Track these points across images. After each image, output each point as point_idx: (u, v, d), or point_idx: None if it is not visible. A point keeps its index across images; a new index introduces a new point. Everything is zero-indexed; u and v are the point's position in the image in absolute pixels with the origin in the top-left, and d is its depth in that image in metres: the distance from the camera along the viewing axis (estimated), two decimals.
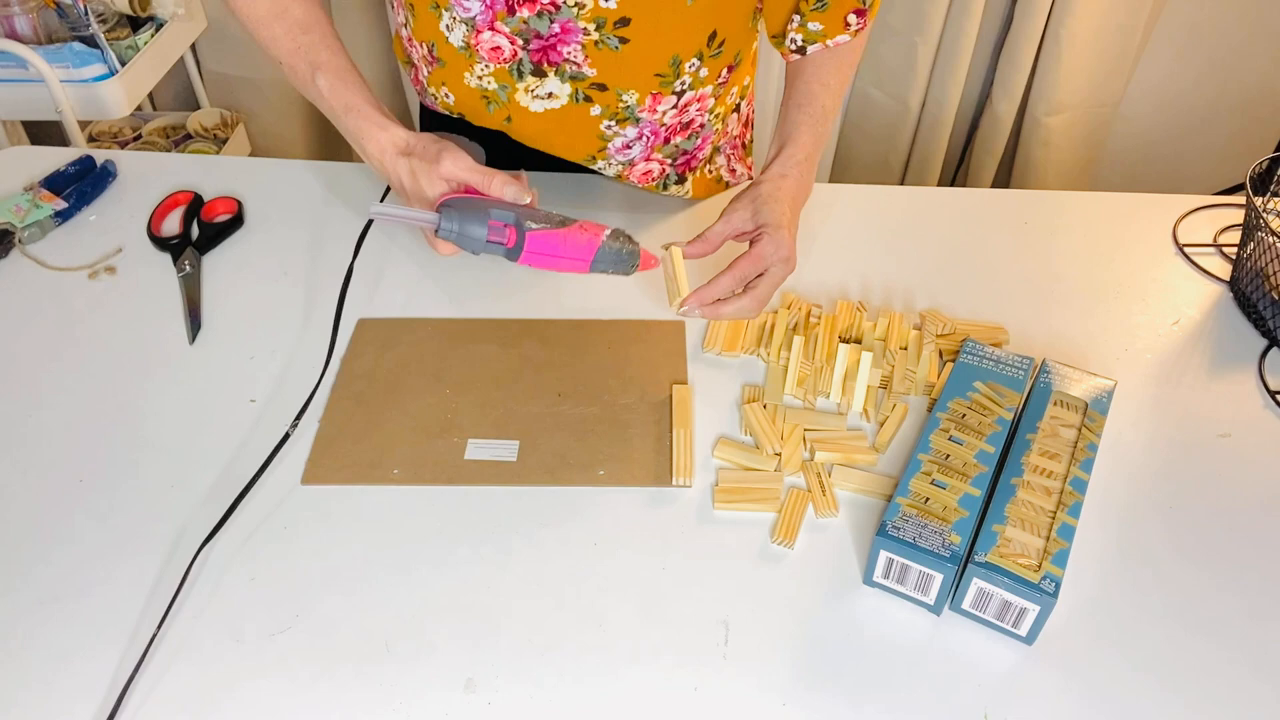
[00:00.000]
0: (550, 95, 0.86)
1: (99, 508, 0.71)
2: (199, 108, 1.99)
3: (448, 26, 0.83)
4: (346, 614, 0.65)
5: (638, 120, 0.89)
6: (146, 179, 1.04)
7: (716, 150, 1.02)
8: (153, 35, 1.72)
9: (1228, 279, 0.94)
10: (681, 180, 0.99)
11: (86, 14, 1.58)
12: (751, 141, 1.09)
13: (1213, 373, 0.85)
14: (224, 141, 1.91)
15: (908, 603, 0.67)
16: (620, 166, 0.95)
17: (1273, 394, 0.83)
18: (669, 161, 0.96)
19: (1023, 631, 0.64)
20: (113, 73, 1.62)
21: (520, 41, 0.82)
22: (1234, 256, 0.95)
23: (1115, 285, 0.94)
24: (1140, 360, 0.86)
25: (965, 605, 0.65)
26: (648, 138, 0.91)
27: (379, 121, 0.75)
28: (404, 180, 0.74)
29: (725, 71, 0.89)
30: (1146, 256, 0.98)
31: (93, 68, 1.59)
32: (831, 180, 2.03)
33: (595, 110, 0.87)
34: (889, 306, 0.90)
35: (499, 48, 0.82)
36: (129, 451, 0.75)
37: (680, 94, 0.87)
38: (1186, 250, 0.98)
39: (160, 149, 1.87)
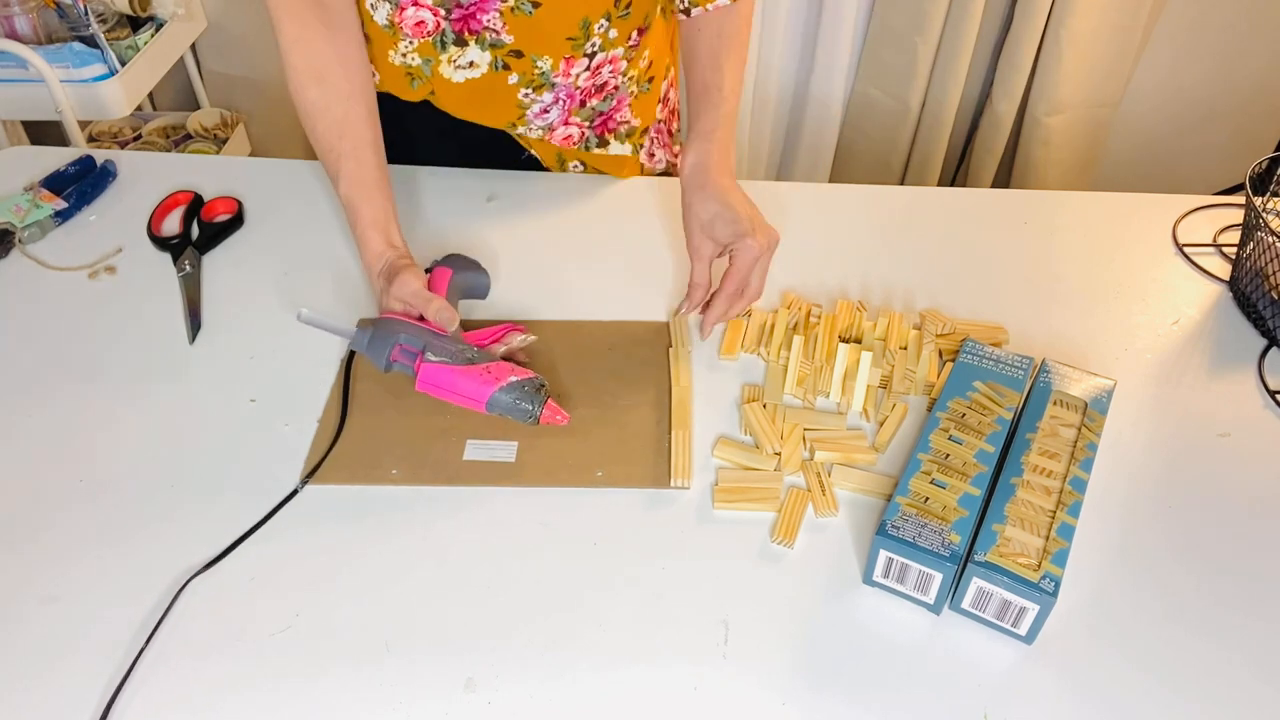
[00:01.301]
0: (471, 64, 0.89)
1: (99, 508, 0.71)
2: (199, 108, 1.99)
3: (372, 5, 0.85)
4: (346, 614, 0.65)
5: (553, 85, 0.92)
6: (146, 179, 1.04)
7: (644, 132, 1.04)
8: (153, 35, 1.72)
9: (1227, 279, 0.94)
10: (604, 144, 1.01)
11: (86, 14, 1.58)
12: (678, 130, 1.12)
13: (1213, 373, 0.85)
14: (224, 141, 1.91)
15: (908, 602, 0.67)
16: (541, 131, 0.97)
17: (1273, 394, 0.83)
18: (586, 124, 0.99)
19: (1022, 631, 0.64)
20: (113, 73, 1.62)
21: (442, 13, 0.84)
22: (1234, 256, 0.95)
23: (1115, 285, 0.94)
24: (1140, 360, 0.86)
25: (965, 605, 0.65)
26: (563, 101, 0.94)
27: (369, 239, 0.82)
28: (377, 293, 0.82)
29: (635, 34, 0.93)
30: (1146, 256, 0.98)
31: (93, 68, 1.60)
32: (831, 180, 2.03)
33: (513, 79, 0.90)
34: (889, 306, 0.90)
35: (422, 22, 0.85)
36: (129, 451, 0.75)
37: (591, 55, 0.91)
38: (1186, 250, 0.98)
39: (160, 149, 1.87)
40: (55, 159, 1.04)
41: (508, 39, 0.87)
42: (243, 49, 1.93)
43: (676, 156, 1.12)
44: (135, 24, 1.73)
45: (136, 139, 1.89)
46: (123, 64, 1.64)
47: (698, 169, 0.83)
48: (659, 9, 0.95)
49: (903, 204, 1.05)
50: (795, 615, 0.66)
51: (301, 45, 0.82)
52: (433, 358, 0.74)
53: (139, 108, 1.86)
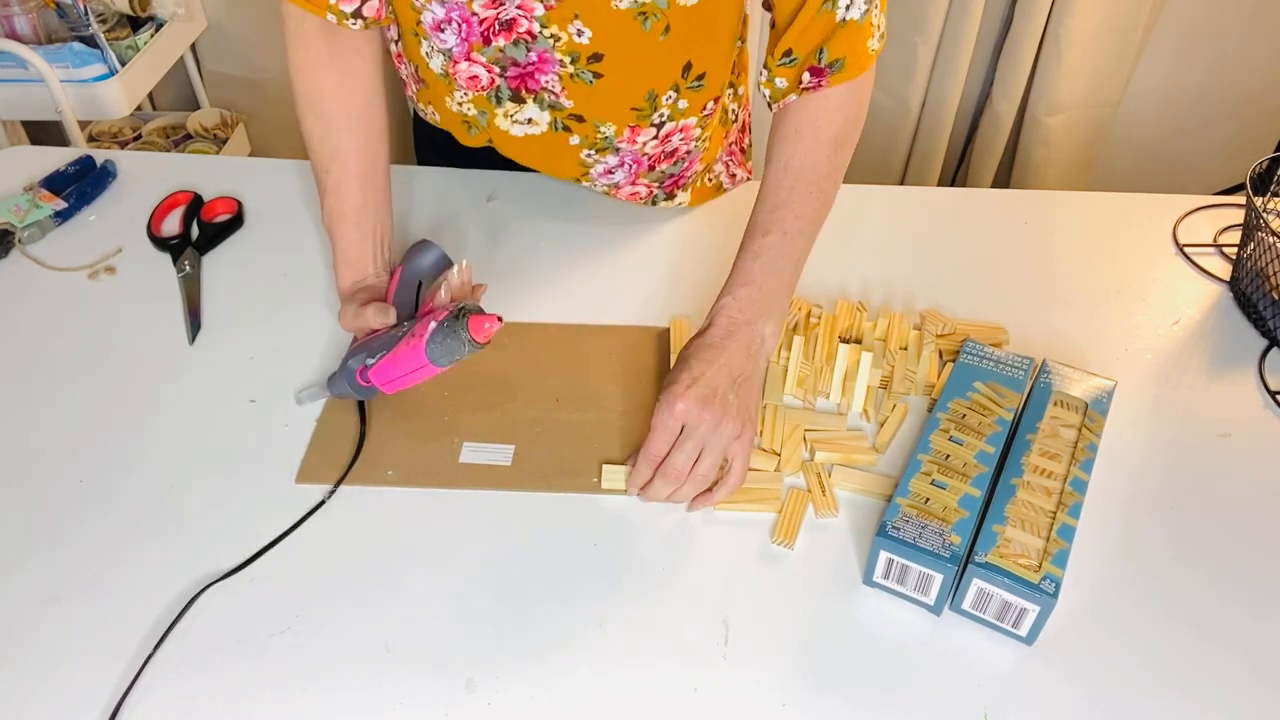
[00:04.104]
0: (530, 121, 0.86)
1: (99, 508, 0.71)
2: (199, 108, 1.99)
3: (427, 53, 0.84)
4: (346, 614, 0.65)
5: (617, 150, 0.89)
6: (146, 179, 1.04)
7: (708, 167, 1.01)
8: (153, 35, 1.72)
9: (1228, 279, 0.94)
10: (671, 197, 0.99)
11: (86, 14, 1.58)
12: (750, 145, 1.09)
13: (1213, 373, 0.85)
14: (224, 141, 1.90)
15: (908, 603, 0.67)
16: (606, 188, 0.95)
17: (1273, 394, 0.83)
18: (656, 184, 0.96)
19: (1023, 632, 0.64)
20: (113, 73, 1.62)
21: (497, 69, 0.82)
22: (1234, 256, 0.95)
23: (1115, 285, 0.94)
24: (1140, 360, 0.86)
25: (965, 605, 0.65)
26: (630, 166, 0.91)
27: (338, 274, 0.81)
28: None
29: (711, 104, 0.89)
30: (1146, 256, 0.98)
31: (93, 68, 1.59)
32: None
33: (574, 140, 0.87)
34: (889, 306, 0.90)
35: (476, 77, 0.83)
36: (129, 451, 0.75)
37: (660, 125, 0.87)
38: (1186, 250, 0.98)
39: (160, 149, 1.87)
40: (55, 159, 1.04)
41: (567, 103, 0.84)
42: (243, 49, 1.93)
43: (751, 173, 1.07)
44: (135, 24, 1.73)
45: (136, 139, 1.89)
46: (123, 64, 1.64)
47: (699, 331, 0.75)
48: (730, 66, 0.89)
49: (903, 204, 1.05)
50: (795, 616, 0.66)
51: (304, 75, 0.82)
52: (370, 360, 0.73)
53: (139, 108, 1.85)
